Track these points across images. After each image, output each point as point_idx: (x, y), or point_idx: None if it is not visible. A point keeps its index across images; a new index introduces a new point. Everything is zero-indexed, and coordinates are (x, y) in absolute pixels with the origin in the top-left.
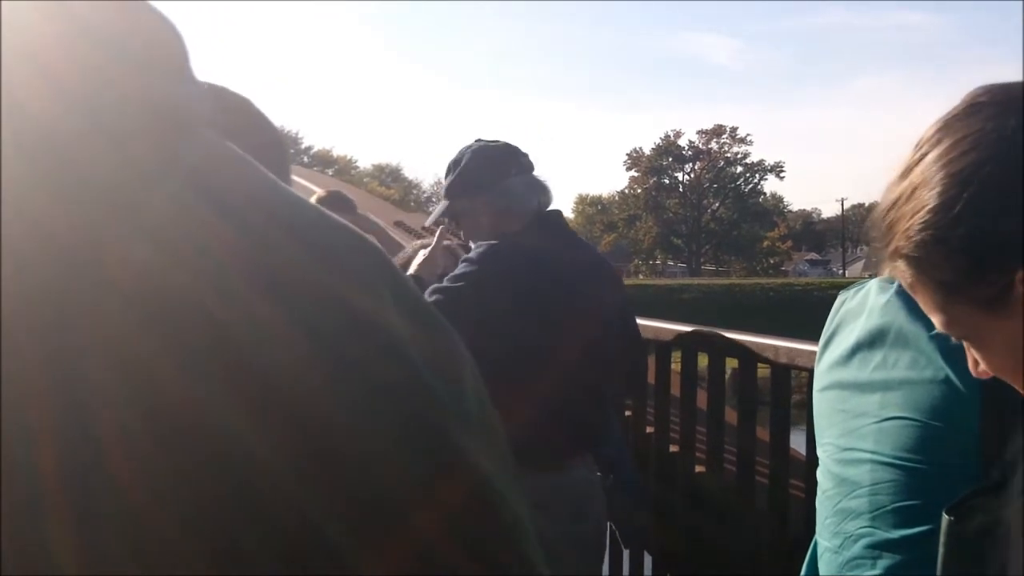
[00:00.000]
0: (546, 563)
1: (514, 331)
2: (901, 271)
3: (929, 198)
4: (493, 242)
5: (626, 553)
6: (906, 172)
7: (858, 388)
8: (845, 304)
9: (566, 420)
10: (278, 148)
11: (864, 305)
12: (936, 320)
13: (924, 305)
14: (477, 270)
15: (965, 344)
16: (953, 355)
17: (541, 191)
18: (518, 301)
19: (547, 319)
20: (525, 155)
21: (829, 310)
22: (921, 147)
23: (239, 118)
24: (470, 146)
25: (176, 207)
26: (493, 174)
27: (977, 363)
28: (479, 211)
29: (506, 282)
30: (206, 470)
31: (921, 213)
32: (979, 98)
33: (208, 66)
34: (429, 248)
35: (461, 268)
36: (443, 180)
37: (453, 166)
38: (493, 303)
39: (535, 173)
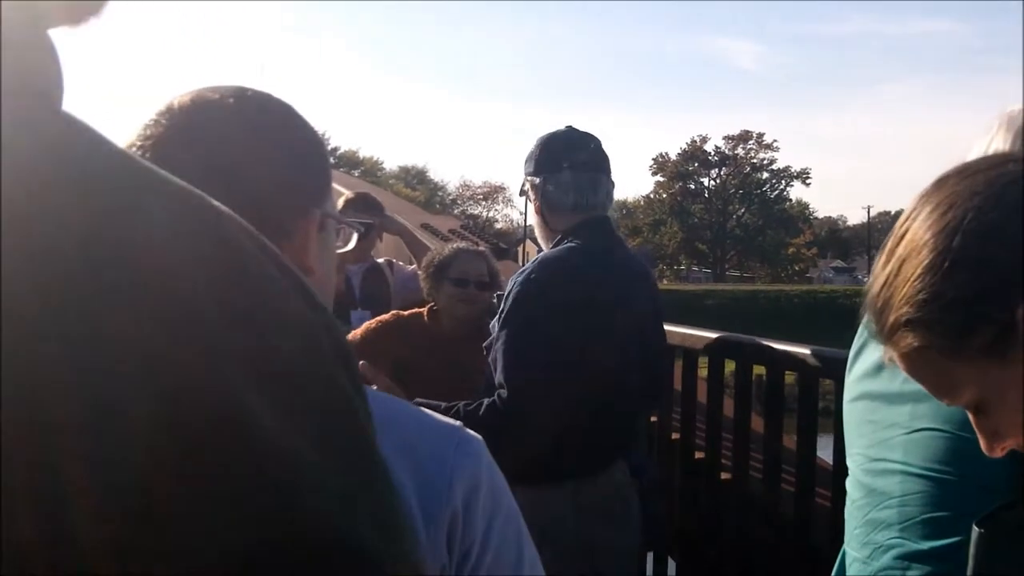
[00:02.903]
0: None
1: (563, 340)
2: (903, 345)
3: (919, 261)
4: (544, 261)
5: (650, 556)
6: (890, 253)
7: (888, 399)
8: None
9: (610, 426)
10: (318, 157)
11: None
12: (945, 394)
13: (930, 380)
14: (531, 288)
15: (976, 426)
16: None
17: (590, 191)
18: (568, 311)
19: (596, 327)
20: (591, 152)
21: (854, 317)
22: (900, 228)
23: (278, 123)
24: (557, 129)
25: (189, 191)
26: (545, 163)
27: (992, 444)
28: (534, 195)
29: (557, 293)
30: (233, 466)
31: (914, 277)
32: (944, 173)
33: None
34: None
35: (517, 289)
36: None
37: (534, 143)
38: (546, 314)
39: (596, 173)
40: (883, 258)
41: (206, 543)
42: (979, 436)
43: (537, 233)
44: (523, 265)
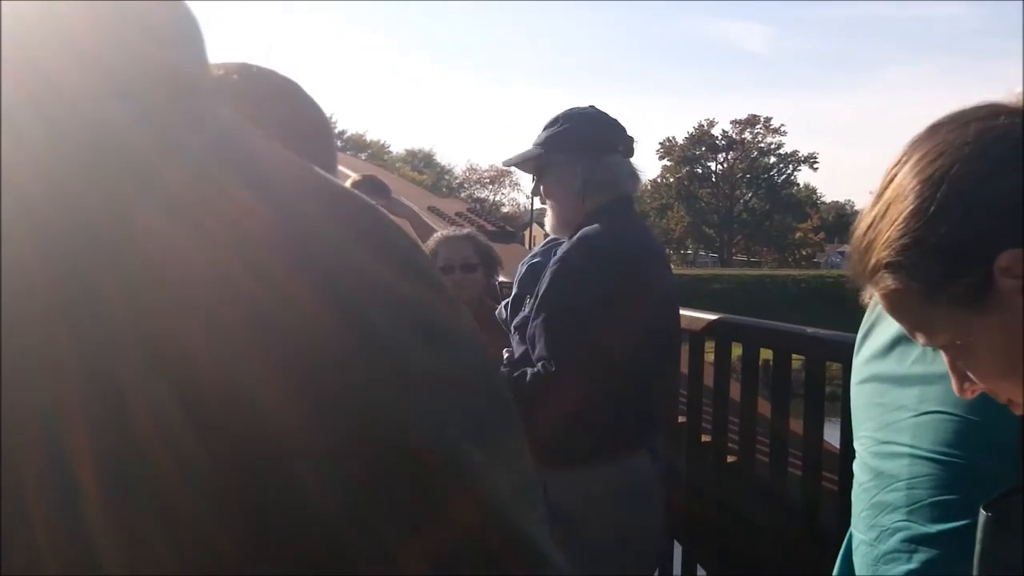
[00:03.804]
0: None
1: (603, 318)
2: (883, 287)
3: (904, 207)
4: (590, 239)
5: None
6: (879, 196)
7: (896, 381)
8: None
9: (638, 407)
10: (322, 136)
11: None
12: (921, 335)
13: (907, 320)
14: (574, 265)
15: (948, 366)
16: None
17: (634, 179)
18: (608, 290)
19: (633, 306)
20: (632, 139)
21: (860, 303)
22: (890, 172)
23: (283, 101)
24: (586, 108)
25: (199, 178)
26: (602, 142)
27: (962, 385)
28: (571, 172)
29: (597, 272)
30: (237, 447)
31: (898, 221)
32: (939, 120)
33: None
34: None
35: (556, 266)
36: (542, 130)
37: (562, 119)
38: (588, 291)
39: (632, 160)
40: (872, 200)
41: (216, 542)
42: (951, 376)
43: (556, 212)
44: (530, 249)
